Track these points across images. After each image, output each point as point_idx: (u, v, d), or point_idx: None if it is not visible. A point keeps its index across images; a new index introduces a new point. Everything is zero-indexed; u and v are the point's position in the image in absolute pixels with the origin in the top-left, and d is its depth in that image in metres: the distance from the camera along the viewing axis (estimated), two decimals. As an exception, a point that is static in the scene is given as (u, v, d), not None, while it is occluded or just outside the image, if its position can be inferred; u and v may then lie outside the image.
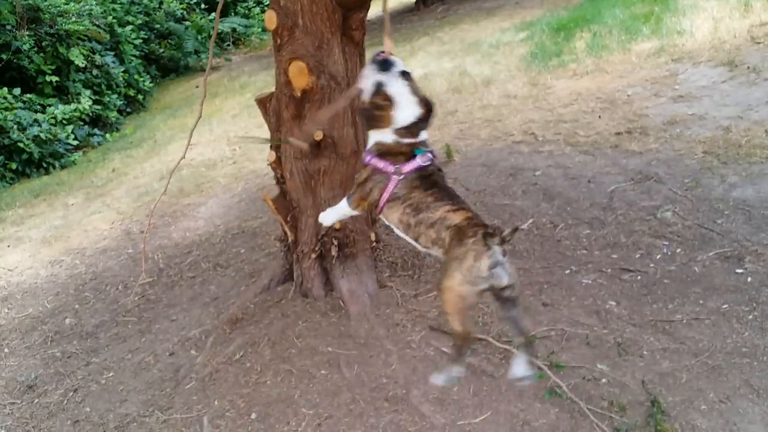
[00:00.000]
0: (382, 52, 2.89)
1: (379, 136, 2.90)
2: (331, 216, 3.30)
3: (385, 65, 2.82)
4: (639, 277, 4.08)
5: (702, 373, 3.22)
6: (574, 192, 5.36)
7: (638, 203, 4.96)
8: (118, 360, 4.40)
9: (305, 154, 3.91)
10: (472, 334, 3.03)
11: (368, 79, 2.84)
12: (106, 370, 4.31)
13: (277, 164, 4.21)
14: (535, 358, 3.20)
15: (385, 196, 2.87)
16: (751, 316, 3.54)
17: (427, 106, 2.85)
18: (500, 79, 9.06)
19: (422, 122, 2.86)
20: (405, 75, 2.83)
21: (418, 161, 2.83)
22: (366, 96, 2.87)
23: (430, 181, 2.84)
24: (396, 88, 2.79)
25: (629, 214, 4.83)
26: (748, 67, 6.91)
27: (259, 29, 21.38)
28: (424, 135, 2.90)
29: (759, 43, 7.50)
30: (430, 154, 2.88)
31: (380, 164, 2.87)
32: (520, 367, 2.90)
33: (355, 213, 3.15)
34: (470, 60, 10.58)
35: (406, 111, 2.81)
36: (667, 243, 4.38)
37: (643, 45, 8.68)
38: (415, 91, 2.84)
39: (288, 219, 4.26)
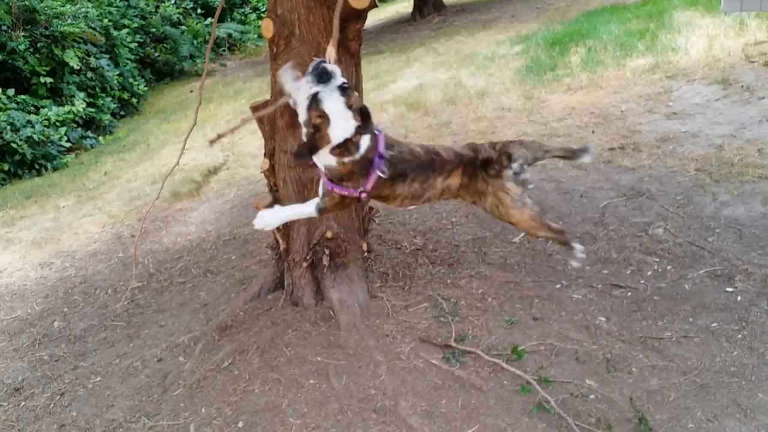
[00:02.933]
0: (323, 61, 2.68)
1: (324, 160, 2.79)
2: (280, 217, 3.09)
3: (323, 77, 2.62)
4: (629, 294, 4.09)
5: (690, 391, 3.23)
6: (566, 206, 5.38)
7: (630, 219, 4.97)
8: (105, 365, 4.38)
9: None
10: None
11: (304, 92, 2.64)
12: (94, 375, 4.28)
13: (270, 172, 4.21)
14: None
15: (366, 194, 2.89)
16: (740, 335, 3.55)
17: (364, 114, 2.68)
18: (495, 91, 9.08)
19: (361, 131, 2.72)
20: (343, 89, 2.63)
21: (377, 173, 2.80)
22: (302, 112, 2.68)
23: (398, 170, 2.88)
24: (331, 104, 2.61)
25: (621, 230, 4.85)
26: (742, 86, 6.95)
27: (255, 35, 21.40)
28: (364, 145, 2.77)
29: (753, 62, 7.55)
30: (379, 158, 2.79)
31: (344, 192, 2.85)
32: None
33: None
34: (465, 72, 10.61)
35: (338, 128, 2.65)
36: (657, 260, 4.40)
37: (637, 61, 8.72)
38: (350, 103, 2.65)
39: (280, 227, 4.25)
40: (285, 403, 3.57)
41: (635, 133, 6.54)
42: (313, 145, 2.68)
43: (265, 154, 4.23)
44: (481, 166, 2.96)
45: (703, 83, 7.38)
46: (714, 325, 3.67)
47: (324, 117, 2.61)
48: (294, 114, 3.73)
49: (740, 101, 6.67)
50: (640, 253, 4.51)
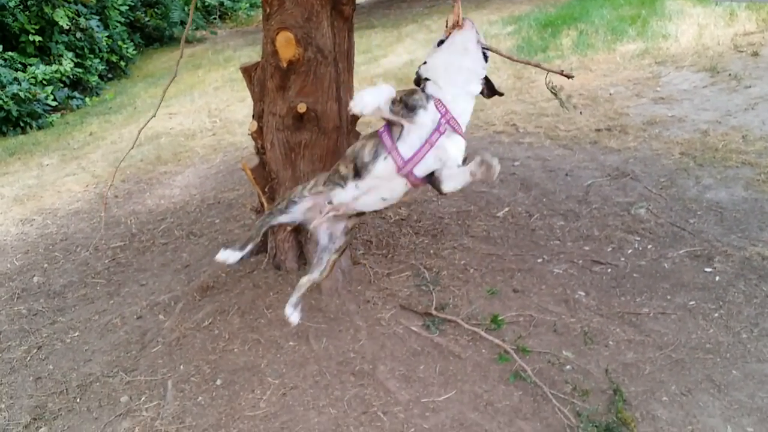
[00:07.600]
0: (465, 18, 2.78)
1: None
2: (374, 98, 2.56)
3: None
4: (609, 270, 4.13)
5: (665, 365, 3.28)
6: (551, 184, 5.40)
7: (613, 198, 5.01)
8: (84, 320, 4.36)
9: (287, 125, 3.89)
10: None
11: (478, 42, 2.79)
12: (72, 330, 4.27)
13: (258, 134, 4.18)
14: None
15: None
16: (716, 314, 3.60)
17: None
18: (485, 69, 9.05)
19: None
20: None
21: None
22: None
23: None
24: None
25: (604, 209, 4.88)
26: (730, 74, 6.99)
27: (247, 4, 21.20)
28: None
29: (742, 51, 7.59)
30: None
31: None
32: (290, 308, 3.07)
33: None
34: (457, 49, 10.56)
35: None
36: (638, 238, 4.44)
37: (628, 46, 8.74)
38: None
39: (266, 190, 4.24)
40: (264, 363, 3.59)
41: (622, 116, 6.58)
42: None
43: (253, 116, 4.21)
44: None
45: (692, 70, 7.42)
46: (691, 303, 3.72)
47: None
48: (284, 76, 3.73)
49: (727, 89, 6.71)
50: (621, 232, 4.55)
